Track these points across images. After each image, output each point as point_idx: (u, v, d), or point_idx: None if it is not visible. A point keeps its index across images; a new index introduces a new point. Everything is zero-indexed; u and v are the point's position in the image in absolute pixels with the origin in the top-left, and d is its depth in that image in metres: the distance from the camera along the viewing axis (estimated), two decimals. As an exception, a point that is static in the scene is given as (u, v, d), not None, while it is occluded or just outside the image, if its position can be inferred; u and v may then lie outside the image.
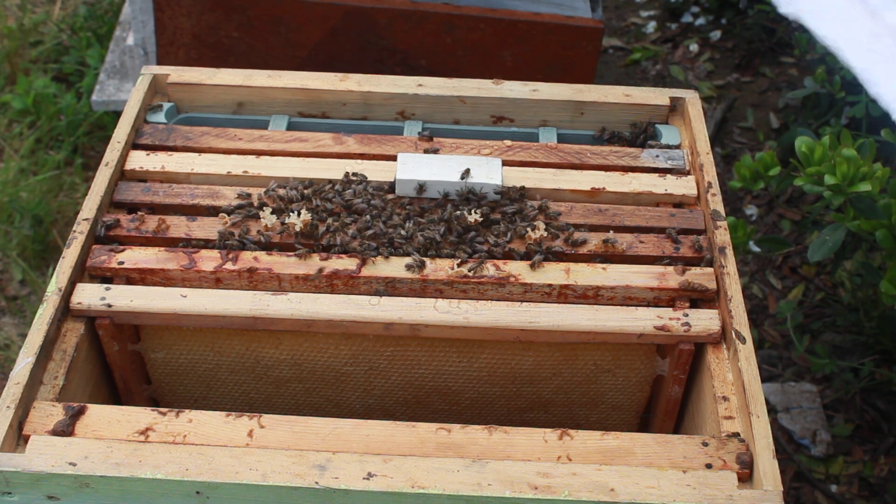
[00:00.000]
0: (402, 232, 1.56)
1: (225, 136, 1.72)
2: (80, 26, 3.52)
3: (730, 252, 1.54)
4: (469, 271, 1.50)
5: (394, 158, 1.68)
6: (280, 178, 1.64)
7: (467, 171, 1.60)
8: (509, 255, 1.55)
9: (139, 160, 1.67)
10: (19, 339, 2.70)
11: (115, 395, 1.60)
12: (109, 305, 1.46)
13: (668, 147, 1.74)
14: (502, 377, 1.59)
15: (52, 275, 1.71)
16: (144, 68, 1.79)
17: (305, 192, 1.61)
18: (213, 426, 1.32)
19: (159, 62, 2.66)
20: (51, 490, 1.27)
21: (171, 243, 1.55)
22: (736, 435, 1.33)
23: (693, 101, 1.78)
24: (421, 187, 1.60)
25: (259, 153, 1.69)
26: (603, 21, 2.61)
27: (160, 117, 1.75)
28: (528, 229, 1.56)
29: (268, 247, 1.55)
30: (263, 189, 1.62)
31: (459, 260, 1.52)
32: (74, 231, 1.52)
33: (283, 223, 1.56)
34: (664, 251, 1.56)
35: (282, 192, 1.61)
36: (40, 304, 1.43)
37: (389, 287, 1.51)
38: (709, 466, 1.29)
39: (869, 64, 1.23)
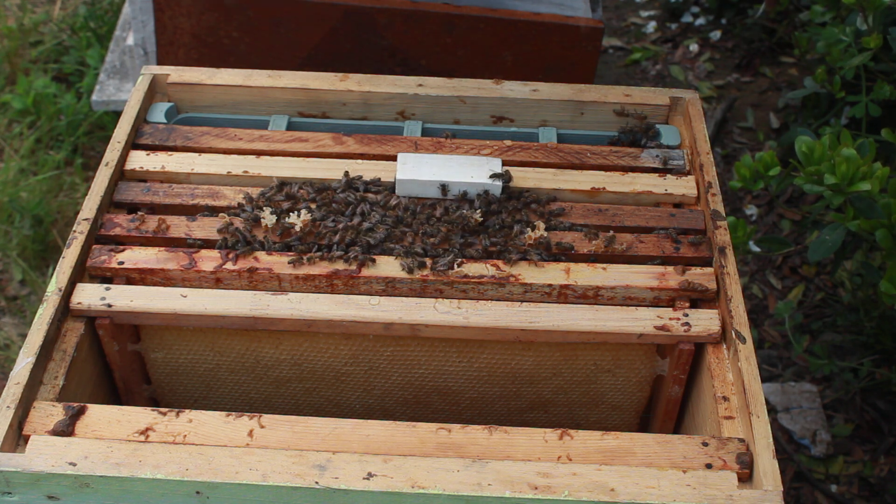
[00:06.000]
0: (402, 232, 1.55)
1: (225, 136, 1.72)
2: (80, 26, 3.51)
3: (730, 252, 1.54)
4: (447, 265, 1.50)
5: (394, 158, 1.68)
6: (281, 178, 1.64)
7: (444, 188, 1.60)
8: (508, 255, 1.55)
9: (139, 160, 1.67)
10: (19, 339, 2.70)
11: (115, 395, 1.60)
12: (109, 305, 1.46)
13: (669, 147, 1.74)
14: (502, 377, 1.59)
15: (52, 275, 1.71)
16: (144, 68, 1.79)
17: (306, 192, 1.61)
18: (213, 426, 1.32)
19: (159, 62, 2.65)
20: (51, 490, 1.27)
21: (170, 243, 1.55)
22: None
23: (693, 101, 1.78)
24: (444, 188, 1.60)
25: (259, 153, 1.69)
26: (603, 21, 2.61)
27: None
28: (529, 229, 1.56)
29: (267, 247, 1.55)
30: (264, 189, 1.62)
31: (459, 260, 1.52)
32: (74, 231, 1.52)
33: (282, 223, 1.55)
34: (664, 251, 1.56)
35: (282, 192, 1.61)
36: (40, 304, 1.43)
37: (389, 287, 1.51)
38: (709, 466, 1.29)
39: None
